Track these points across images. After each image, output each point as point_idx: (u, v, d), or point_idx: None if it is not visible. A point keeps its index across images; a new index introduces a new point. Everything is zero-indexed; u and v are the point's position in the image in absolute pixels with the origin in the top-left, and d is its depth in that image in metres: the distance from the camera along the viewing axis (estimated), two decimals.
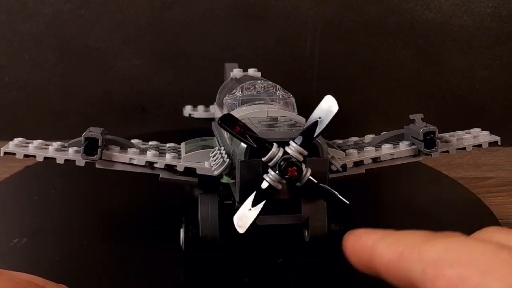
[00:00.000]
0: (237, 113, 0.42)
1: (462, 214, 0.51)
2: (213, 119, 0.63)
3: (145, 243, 0.45)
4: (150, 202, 0.54)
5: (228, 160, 0.38)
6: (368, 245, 0.25)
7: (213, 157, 0.41)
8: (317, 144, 0.36)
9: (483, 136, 0.48)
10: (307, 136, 0.34)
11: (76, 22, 0.79)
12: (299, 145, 0.34)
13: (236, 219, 0.34)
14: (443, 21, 0.77)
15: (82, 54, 0.80)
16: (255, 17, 0.79)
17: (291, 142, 0.34)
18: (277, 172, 0.34)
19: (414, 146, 0.44)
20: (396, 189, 0.59)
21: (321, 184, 0.35)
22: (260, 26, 0.79)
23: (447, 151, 0.46)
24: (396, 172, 0.59)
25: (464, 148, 0.47)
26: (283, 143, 0.35)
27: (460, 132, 0.49)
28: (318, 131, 0.34)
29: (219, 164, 0.38)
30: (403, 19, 0.78)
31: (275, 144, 0.34)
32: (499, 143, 0.48)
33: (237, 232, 0.34)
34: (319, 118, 0.34)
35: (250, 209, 0.34)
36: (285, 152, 0.34)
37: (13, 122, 0.82)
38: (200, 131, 0.64)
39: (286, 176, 0.33)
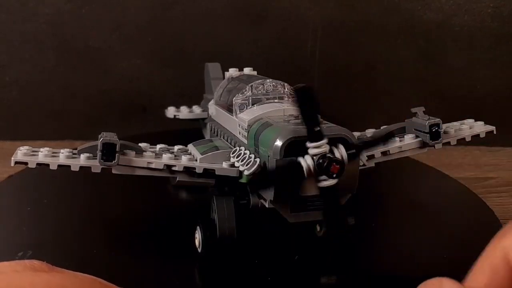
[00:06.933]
0: (252, 112, 0.42)
1: (464, 214, 0.51)
2: (202, 119, 0.62)
3: (155, 249, 0.44)
4: (148, 206, 0.53)
5: (258, 159, 0.38)
6: None
7: (237, 158, 0.40)
8: (347, 140, 0.36)
9: (478, 126, 0.49)
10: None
11: (76, 22, 0.79)
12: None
13: None
14: (444, 21, 0.77)
15: (82, 54, 0.80)
16: (255, 17, 0.79)
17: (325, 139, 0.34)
18: (317, 169, 0.33)
19: (419, 139, 0.45)
20: (397, 189, 0.59)
21: None
22: (261, 26, 0.79)
23: (449, 142, 0.47)
24: (397, 172, 0.59)
25: (464, 139, 0.48)
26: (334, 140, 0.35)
27: (455, 123, 0.50)
28: None
29: (250, 164, 0.38)
30: (404, 19, 0.78)
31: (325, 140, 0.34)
32: (495, 132, 0.49)
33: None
34: None
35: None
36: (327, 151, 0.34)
37: (13, 122, 0.82)
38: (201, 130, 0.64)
39: (330, 173, 0.33)
